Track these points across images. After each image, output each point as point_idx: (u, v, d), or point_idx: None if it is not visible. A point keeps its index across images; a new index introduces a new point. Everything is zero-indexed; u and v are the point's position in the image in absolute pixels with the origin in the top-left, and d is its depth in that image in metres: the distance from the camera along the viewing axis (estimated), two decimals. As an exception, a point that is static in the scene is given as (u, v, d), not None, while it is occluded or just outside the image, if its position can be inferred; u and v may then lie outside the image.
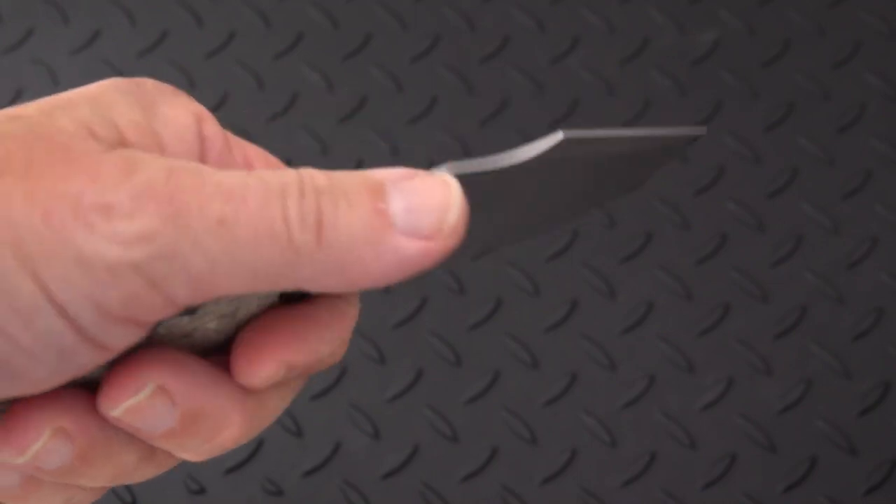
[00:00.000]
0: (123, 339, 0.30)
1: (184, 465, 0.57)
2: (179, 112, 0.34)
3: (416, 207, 0.31)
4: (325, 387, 0.58)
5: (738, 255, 0.61)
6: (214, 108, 0.64)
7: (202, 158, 0.34)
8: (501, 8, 0.67)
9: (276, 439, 0.57)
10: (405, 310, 0.60)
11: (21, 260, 0.28)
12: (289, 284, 0.31)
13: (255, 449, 0.57)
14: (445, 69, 0.65)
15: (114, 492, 0.56)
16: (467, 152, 0.63)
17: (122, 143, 0.31)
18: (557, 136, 0.33)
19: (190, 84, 0.65)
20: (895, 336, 0.60)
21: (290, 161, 0.63)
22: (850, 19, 0.66)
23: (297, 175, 0.31)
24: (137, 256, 0.29)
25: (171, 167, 0.30)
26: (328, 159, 0.63)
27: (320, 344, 0.33)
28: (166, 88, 0.34)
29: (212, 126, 0.34)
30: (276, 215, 0.30)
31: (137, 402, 0.31)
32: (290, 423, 0.58)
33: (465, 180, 0.33)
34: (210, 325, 0.33)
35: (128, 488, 0.56)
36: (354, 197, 0.31)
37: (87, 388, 0.33)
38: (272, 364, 0.32)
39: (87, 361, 0.30)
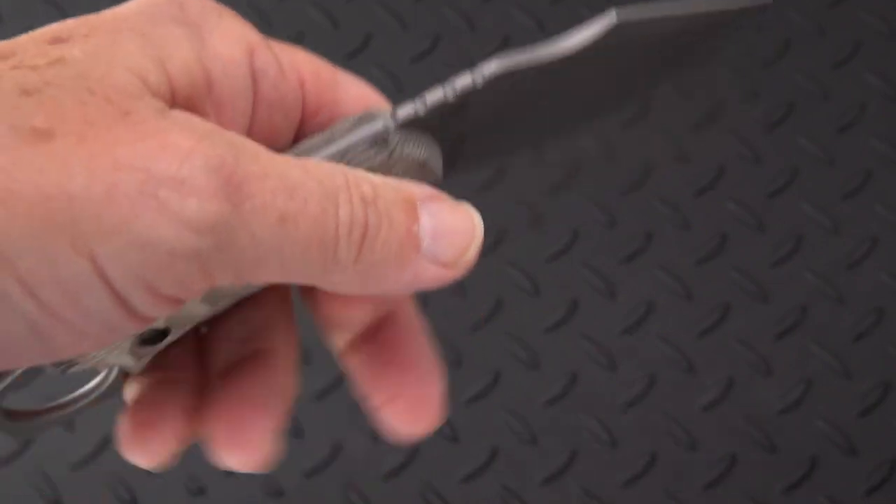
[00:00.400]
0: (162, 312, 0.29)
1: (184, 465, 0.57)
2: (229, 45, 0.32)
3: (442, 234, 0.32)
4: (325, 387, 0.58)
5: (738, 255, 0.61)
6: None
7: (255, 92, 0.33)
8: (501, 8, 0.67)
9: (276, 439, 0.57)
10: (405, 310, 0.60)
11: (77, 239, 0.27)
12: (309, 283, 0.31)
13: (255, 449, 0.57)
14: (445, 69, 0.65)
15: (114, 492, 0.56)
16: (467, 152, 0.63)
17: (171, 87, 0.30)
18: (610, 20, 0.31)
19: (190, 84, 0.65)
20: (895, 336, 0.60)
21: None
22: (850, 19, 0.66)
23: (344, 179, 0.30)
24: (202, 245, 0.28)
25: (234, 144, 0.29)
26: (328, 159, 0.63)
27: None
28: (211, 9, 0.33)
29: (263, 55, 0.33)
30: (330, 224, 0.30)
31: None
32: (292, 424, 0.58)
33: (511, 76, 0.32)
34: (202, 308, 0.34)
35: (127, 488, 0.56)
36: (395, 215, 0.31)
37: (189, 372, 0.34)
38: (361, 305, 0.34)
39: (128, 331, 0.29)
